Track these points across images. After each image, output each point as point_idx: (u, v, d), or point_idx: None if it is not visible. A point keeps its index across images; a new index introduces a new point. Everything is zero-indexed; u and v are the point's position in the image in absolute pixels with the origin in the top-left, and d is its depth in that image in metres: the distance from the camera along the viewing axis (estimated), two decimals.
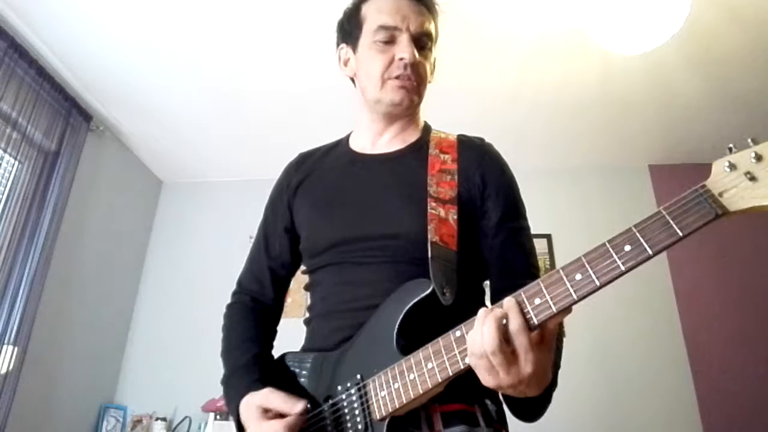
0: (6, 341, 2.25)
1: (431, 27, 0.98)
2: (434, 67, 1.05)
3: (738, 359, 2.70)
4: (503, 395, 0.76)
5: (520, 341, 0.62)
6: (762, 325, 2.76)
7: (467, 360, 0.66)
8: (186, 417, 2.82)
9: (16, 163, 2.46)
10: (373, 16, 0.97)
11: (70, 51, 2.46)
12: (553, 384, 0.72)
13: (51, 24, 2.30)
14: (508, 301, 0.64)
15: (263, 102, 2.77)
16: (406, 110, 0.98)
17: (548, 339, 0.64)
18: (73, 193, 2.66)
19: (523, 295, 0.64)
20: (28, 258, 2.39)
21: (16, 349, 2.28)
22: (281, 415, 0.80)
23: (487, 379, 0.64)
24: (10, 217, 2.33)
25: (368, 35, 0.97)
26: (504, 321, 0.62)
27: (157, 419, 2.81)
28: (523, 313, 0.63)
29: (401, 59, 0.93)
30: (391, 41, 0.94)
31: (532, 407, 0.75)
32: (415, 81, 0.95)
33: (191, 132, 3.06)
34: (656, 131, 2.93)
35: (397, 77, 0.94)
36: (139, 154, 3.30)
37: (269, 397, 0.80)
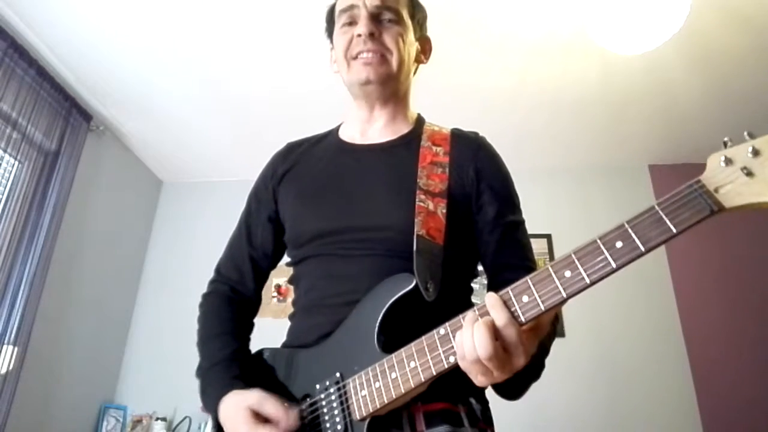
0: (6, 341, 2.25)
1: (394, 2, 0.97)
2: (423, 46, 1.04)
3: (738, 359, 2.70)
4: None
5: (509, 335, 0.60)
6: (763, 325, 2.75)
7: (451, 359, 0.64)
8: (186, 417, 2.82)
9: (16, 163, 2.46)
10: (338, 5, 1.00)
11: (70, 51, 2.46)
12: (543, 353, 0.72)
13: (51, 24, 2.30)
14: (490, 298, 0.63)
15: (263, 102, 2.77)
16: (383, 86, 0.95)
17: (541, 329, 0.63)
18: (73, 193, 2.66)
19: (510, 293, 0.62)
20: (28, 258, 2.39)
21: (16, 349, 2.28)
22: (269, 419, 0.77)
23: (481, 380, 0.63)
24: (10, 217, 2.33)
25: (337, 24, 0.99)
26: (492, 322, 0.61)
27: (157, 419, 2.82)
28: (508, 307, 0.61)
29: (358, 35, 0.93)
30: (353, 23, 0.95)
31: (520, 380, 0.72)
32: (379, 53, 0.93)
33: (191, 132, 3.06)
34: (656, 131, 2.93)
35: (359, 54, 0.93)
36: (139, 154, 3.30)
37: (263, 402, 0.77)
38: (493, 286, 0.86)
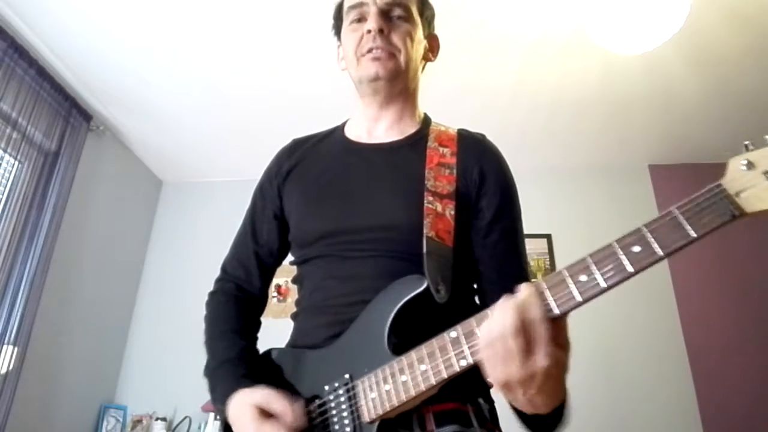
0: (6, 341, 2.25)
1: None
2: (431, 44, 1.03)
3: (738, 359, 2.70)
4: (514, 409, 0.70)
5: (540, 331, 0.56)
6: (762, 325, 2.75)
7: (462, 362, 0.63)
8: (186, 417, 2.82)
9: (16, 163, 2.46)
10: (346, 2, 0.99)
11: (70, 51, 2.46)
12: (564, 407, 0.67)
13: (51, 24, 2.30)
14: (528, 288, 0.59)
15: (263, 103, 2.77)
16: (391, 83, 0.94)
17: (562, 340, 0.59)
18: (73, 193, 2.66)
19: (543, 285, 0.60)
20: (28, 258, 2.39)
21: (16, 349, 2.28)
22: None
23: (498, 371, 0.58)
24: (10, 217, 2.33)
25: (346, 21, 0.99)
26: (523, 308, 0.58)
27: (157, 419, 2.82)
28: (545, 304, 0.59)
29: (368, 31, 0.92)
30: (362, 19, 0.95)
31: (543, 426, 0.70)
32: (388, 51, 0.92)
33: (191, 132, 3.06)
34: (656, 131, 2.93)
35: (369, 50, 0.92)
36: (139, 154, 3.30)
37: (269, 399, 0.76)
38: (486, 291, 0.85)
